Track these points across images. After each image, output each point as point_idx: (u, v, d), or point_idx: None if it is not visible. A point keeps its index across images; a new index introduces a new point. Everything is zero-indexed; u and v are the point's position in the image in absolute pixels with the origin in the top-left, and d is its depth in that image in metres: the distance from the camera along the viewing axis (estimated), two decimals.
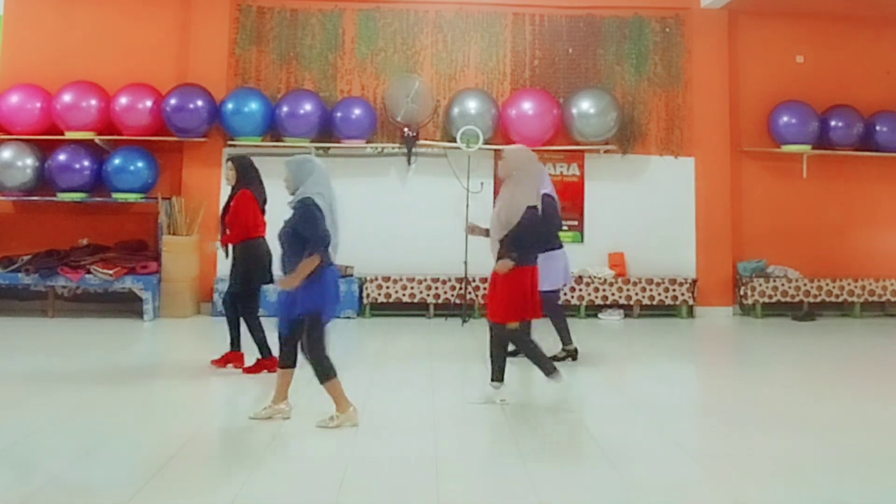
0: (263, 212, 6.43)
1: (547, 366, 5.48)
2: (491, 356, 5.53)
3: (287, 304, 4.82)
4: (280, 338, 4.96)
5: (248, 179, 6.37)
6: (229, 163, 6.47)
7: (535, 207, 5.34)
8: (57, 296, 9.20)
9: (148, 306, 8.73)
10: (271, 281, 6.41)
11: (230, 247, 6.45)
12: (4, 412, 5.15)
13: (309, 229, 4.75)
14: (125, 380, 6.07)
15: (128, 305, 9.06)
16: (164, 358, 7.50)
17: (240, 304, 6.38)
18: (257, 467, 4.14)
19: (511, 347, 5.72)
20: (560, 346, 6.85)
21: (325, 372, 4.82)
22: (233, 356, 6.41)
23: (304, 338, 4.80)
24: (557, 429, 5.02)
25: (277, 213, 6.03)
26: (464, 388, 6.19)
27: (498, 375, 5.48)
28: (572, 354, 6.85)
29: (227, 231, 6.41)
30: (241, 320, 6.38)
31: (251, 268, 6.29)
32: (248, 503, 3.68)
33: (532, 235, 5.36)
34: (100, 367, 6.54)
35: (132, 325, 8.54)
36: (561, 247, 6.70)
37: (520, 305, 5.34)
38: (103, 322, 8.72)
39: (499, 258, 5.35)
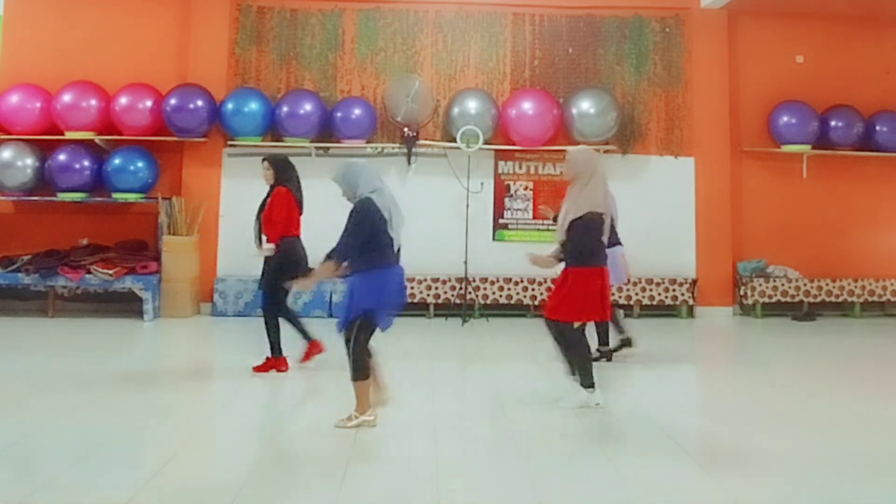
0: (301, 210, 6.35)
1: (589, 378, 5.37)
2: (570, 360, 5.44)
3: (347, 303, 4.83)
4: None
5: (285, 177, 6.30)
6: (265, 162, 6.36)
7: (597, 213, 5.26)
8: (57, 296, 9.19)
9: (148, 306, 8.73)
10: None
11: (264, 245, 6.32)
12: (4, 412, 5.15)
13: (350, 230, 4.72)
14: (125, 380, 6.07)
15: (128, 305, 9.05)
16: (164, 358, 7.50)
17: (267, 301, 6.32)
18: (257, 468, 4.14)
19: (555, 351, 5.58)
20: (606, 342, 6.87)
21: (361, 371, 4.84)
22: (280, 362, 6.32)
23: (353, 334, 4.80)
24: (557, 428, 5.01)
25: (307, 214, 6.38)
26: (464, 388, 6.18)
27: (588, 380, 5.35)
28: (628, 343, 6.93)
29: (263, 231, 6.31)
30: (280, 317, 6.32)
31: (284, 266, 6.16)
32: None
33: (587, 241, 5.29)
34: (100, 367, 6.54)
35: (132, 325, 8.54)
36: (619, 244, 6.61)
37: (588, 305, 5.30)
38: (103, 322, 8.71)
39: (563, 260, 5.36)
